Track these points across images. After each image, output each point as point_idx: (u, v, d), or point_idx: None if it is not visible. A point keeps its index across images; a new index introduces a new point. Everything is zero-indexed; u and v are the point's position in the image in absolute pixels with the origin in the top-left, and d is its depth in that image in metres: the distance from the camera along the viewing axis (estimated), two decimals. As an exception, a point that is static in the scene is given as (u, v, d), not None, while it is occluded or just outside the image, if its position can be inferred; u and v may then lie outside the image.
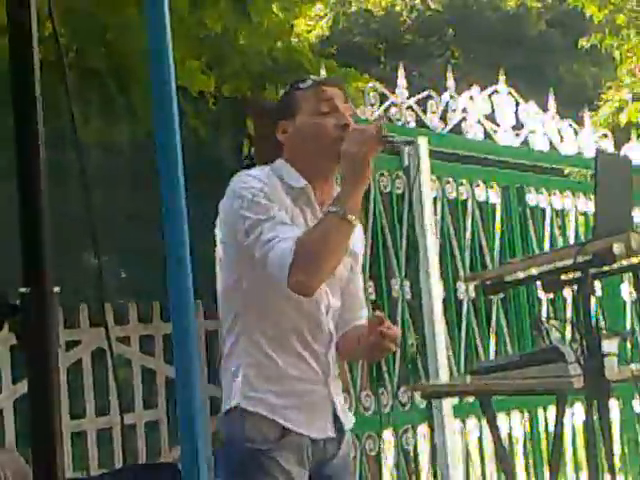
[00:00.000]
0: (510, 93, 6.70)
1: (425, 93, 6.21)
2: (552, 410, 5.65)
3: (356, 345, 3.07)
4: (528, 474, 6.40)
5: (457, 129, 6.40)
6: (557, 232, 7.01)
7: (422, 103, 6.18)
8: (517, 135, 6.78)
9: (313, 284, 2.80)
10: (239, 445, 2.93)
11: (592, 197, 6.23)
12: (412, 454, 5.79)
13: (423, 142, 5.93)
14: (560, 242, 6.95)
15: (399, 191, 5.88)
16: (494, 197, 6.53)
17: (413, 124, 6.06)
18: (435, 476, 5.74)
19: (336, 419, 3.09)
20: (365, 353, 3.09)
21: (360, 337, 3.03)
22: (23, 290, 1.56)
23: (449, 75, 6.39)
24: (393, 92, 6.02)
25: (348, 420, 3.16)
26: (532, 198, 6.81)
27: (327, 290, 3.03)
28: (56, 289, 1.58)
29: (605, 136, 7.62)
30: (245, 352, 2.97)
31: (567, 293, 6.54)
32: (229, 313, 3.03)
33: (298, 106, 3.04)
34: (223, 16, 6.18)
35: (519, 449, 6.42)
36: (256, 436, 2.91)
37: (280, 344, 2.97)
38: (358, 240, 3.23)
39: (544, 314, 6.59)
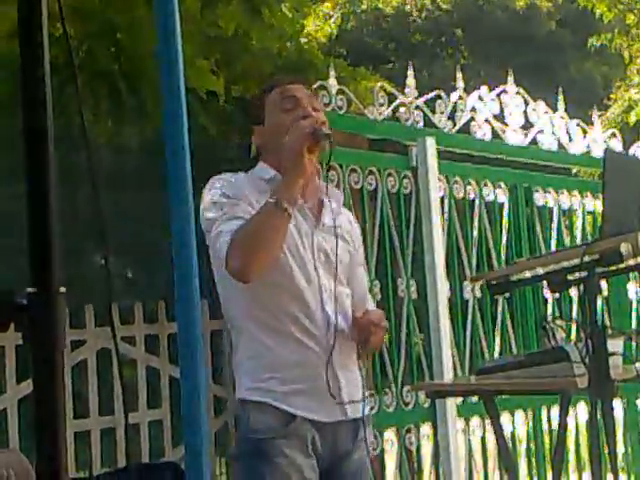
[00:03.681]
0: (519, 93, 6.71)
1: (434, 93, 6.22)
2: (556, 409, 5.66)
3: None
4: (531, 473, 6.41)
5: (465, 129, 6.41)
6: (564, 232, 7.02)
7: (431, 103, 6.20)
8: (525, 135, 6.79)
9: (248, 269, 2.92)
10: (244, 437, 3.03)
11: (600, 197, 6.23)
12: (415, 453, 5.81)
13: (431, 142, 5.94)
14: (567, 242, 6.95)
15: (407, 191, 5.90)
16: (502, 197, 6.54)
17: (421, 124, 6.08)
18: (438, 476, 5.75)
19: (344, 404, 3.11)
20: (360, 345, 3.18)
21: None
22: (30, 290, 1.57)
23: (458, 75, 6.40)
24: (402, 92, 6.04)
25: (355, 409, 3.14)
26: (540, 198, 6.82)
27: (321, 272, 3.11)
28: (62, 289, 1.59)
29: (614, 135, 7.62)
30: (245, 345, 3.07)
31: (573, 293, 6.54)
32: (228, 311, 3.14)
33: (265, 109, 3.21)
34: (234, 16, 6.18)
35: (522, 448, 6.43)
36: (260, 426, 2.98)
37: (277, 331, 3.03)
38: (353, 231, 3.37)
39: (550, 314, 6.60)
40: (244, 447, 3.02)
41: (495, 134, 6.56)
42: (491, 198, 6.45)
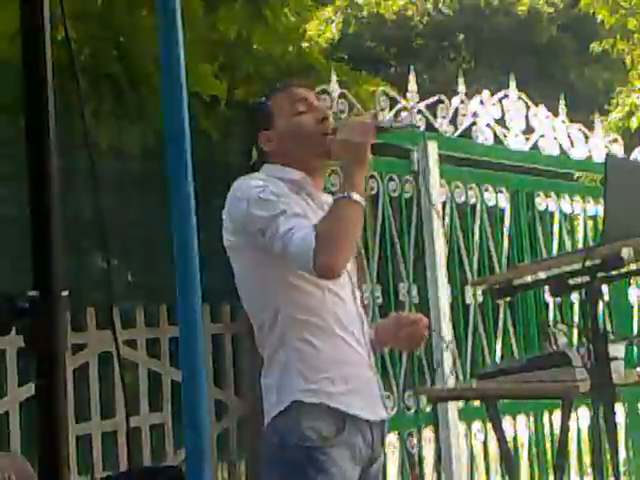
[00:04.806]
0: (520, 97, 6.72)
1: (435, 97, 6.22)
2: (558, 414, 5.66)
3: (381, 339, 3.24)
4: (533, 478, 6.41)
5: (467, 133, 6.41)
6: (566, 236, 7.02)
7: (432, 107, 6.20)
8: (527, 139, 6.79)
9: (338, 264, 2.86)
10: (293, 445, 2.90)
11: (601, 201, 6.24)
12: (417, 458, 5.80)
13: (433, 146, 5.94)
14: (569, 246, 6.95)
15: (408, 195, 5.90)
16: (503, 201, 6.54)
17: (423, 128, 6.07)
18: (440, 480, 5.75)
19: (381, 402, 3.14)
20: (402, 345, 3.33)
21: (385, 334, 3.23)
22: (32, 293, 1.56)
23: (460, 79, 6.40)
24: (404, 96, 6.04)
25: (383, 409, 3.18)
26: (541, 202, 6.83)
27: (351, 273, 3.11)
28: (64, 292, 1.59)
29: (615, 140, 7.62)
30: (292, 347, 2.97)
31: (575, 297, 6.54)
32: (265, 315, 3.02)
33: (275, 113, 3.15)
34: (237, 20, 6.18)
35: (524, 453, 6.42)
36: (311, 433, 2.89)
37: (322, 331, 2.98)
38: None
39: (551, 318, 6.60)
40: (293, 455, 2.90)
41: (497, 139, 6.56)
42: (493, 203, 6.45)
